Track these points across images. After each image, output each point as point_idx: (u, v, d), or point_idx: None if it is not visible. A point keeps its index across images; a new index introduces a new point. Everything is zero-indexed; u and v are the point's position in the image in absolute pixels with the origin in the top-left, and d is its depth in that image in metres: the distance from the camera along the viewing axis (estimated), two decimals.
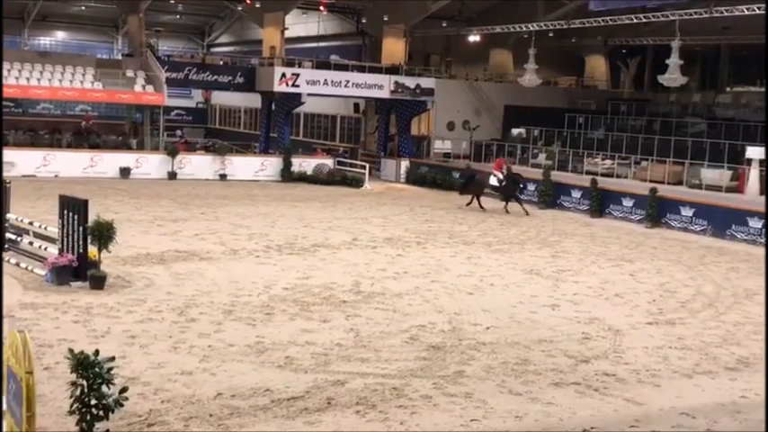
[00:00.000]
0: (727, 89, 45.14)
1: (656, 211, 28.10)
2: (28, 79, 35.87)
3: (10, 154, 32.71)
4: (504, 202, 30.12)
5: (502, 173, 29.95)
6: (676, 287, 18.45)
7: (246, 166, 37.06)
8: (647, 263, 21.33)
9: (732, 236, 25.71)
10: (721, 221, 26.24)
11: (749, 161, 29.08)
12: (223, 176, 35.86)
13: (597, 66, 48.53)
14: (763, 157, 28.99)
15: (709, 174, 30.42)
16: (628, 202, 29.28)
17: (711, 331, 14.67)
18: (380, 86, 39.45)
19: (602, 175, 32.38)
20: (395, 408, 10.27)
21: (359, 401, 10.41)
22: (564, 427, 10.00)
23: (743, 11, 30.80)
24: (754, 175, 28.82)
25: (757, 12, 30.39)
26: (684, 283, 18.90)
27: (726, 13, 31.36)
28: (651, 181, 30.61)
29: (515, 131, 40.28)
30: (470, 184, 31.20)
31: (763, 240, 24.81)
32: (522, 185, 30.48)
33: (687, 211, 27.58)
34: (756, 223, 25.35)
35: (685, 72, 33.17)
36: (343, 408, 10.20)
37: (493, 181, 30.18)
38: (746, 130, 34.00)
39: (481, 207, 30.06)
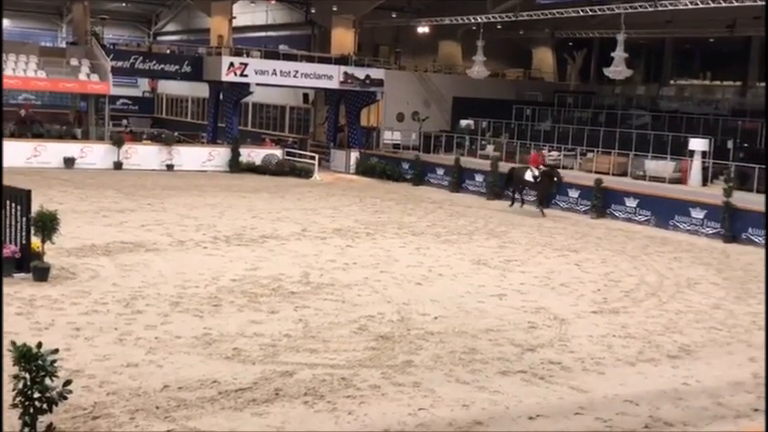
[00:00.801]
0: (671, 82, 45.88)
1: (601, 202, 28.49)
2: None
3: None
4: (538, 202, 28.40)
5: (538, 168, 27.91)
6: (620, 276, 18.73)
7: (194, 157, 36.73)
8: (591, 253, 21.61)
9: (675, 226, 26.16)
10: (664, 212, 26.68)
11: (692, 153, 29.57)
12: (170, 167, 35.50)
13: (544, 58, 49.00)
14: (705, 148, 29.53)
15: (653, 165, 30.88)
16: (573, 194, 29.62)
17: (654, 320, 14.91)
18: (330, 77, 39.33)
19: (549, 166, 32.66)
20: (343, 398, 10.30)
21: (307, 392, 10.41)
22: (510, 415, 10.11)
23: (686, 4, 31.27)
24: (696, 166, 29.34)
25: (700, 6, 30.92)
26: (628, 273, 19.19)
27: (670, 7, 31.80)
28: (596, 172, 30.95)
29: (464, 123, 40.45)
30: (510, 180, 29.25)
31: (705, 231, 25.31)
32: (557, 182, 28.01)
33: (631, 202, 28.00)
34: (698, 213, 25.84)
35: (630, 65, 33.57)
36: (292, 398, 10.20)
37: (528, 176, 28.07)
38: (689, 123, 34.59)
39: (521, 203, 28.65)
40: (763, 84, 41.66)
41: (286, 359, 11.65)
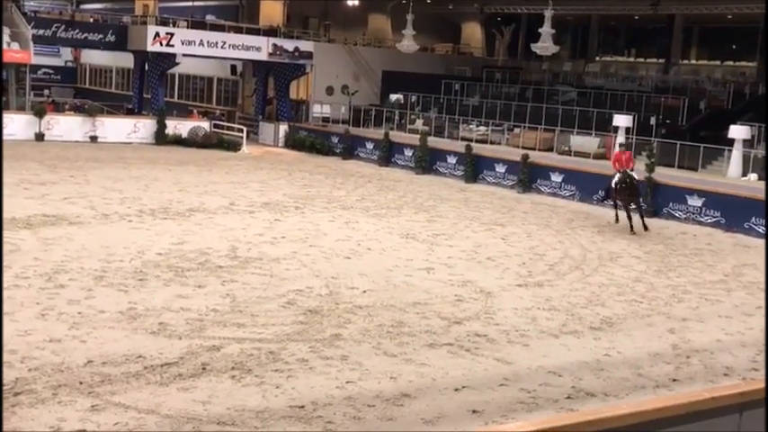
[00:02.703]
0: (597, 58, 46.51)
1: (528, 177, 28.81)
2: None
3: None
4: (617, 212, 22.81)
5: (619, 172, 21.89)
6: (545, 250, 19.02)
7: (118, 129, 36.08)
8: (517, 227, 21.89)
9: (598, 200, 26.59)
10: (589, 187, 27.07)
11: (616, 129, 30.09)
12: (94, 138, 34.83)
13: (473, 33, 49.19)
14: (629, 125, 30.07)
15: (579, 141, 31.36)
16: (500, 168, 29.90)
17: (578, 293, 15.19)
18: (258, 49, 38.93)
19: (477, 141, 32.92)
20: (271, 372, 10.28)
21: (234, 366, 10.37)
22: (437, 386, 10.21)
23: None
24: (619, 141, 29.82)
25: None
26: (553, 247, 19.50)
27: None
28: (523, 147, 31.29)
29: (393, 97, 40.44)
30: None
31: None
32: (636, 190, 21.98)
33: (557, 177, 28.37)
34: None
35: (557, 41, 33.92)
36: (219, 373, 10.15)
37: (612, 183, 22.48)
38: (614, 99, 35.16)
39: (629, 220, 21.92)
40: (685, 61, 42.63)
41: (213, 334, 11.58)
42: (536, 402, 9.89)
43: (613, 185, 22.01)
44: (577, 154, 30.62)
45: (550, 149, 31.72)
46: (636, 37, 46.13)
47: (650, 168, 25.41)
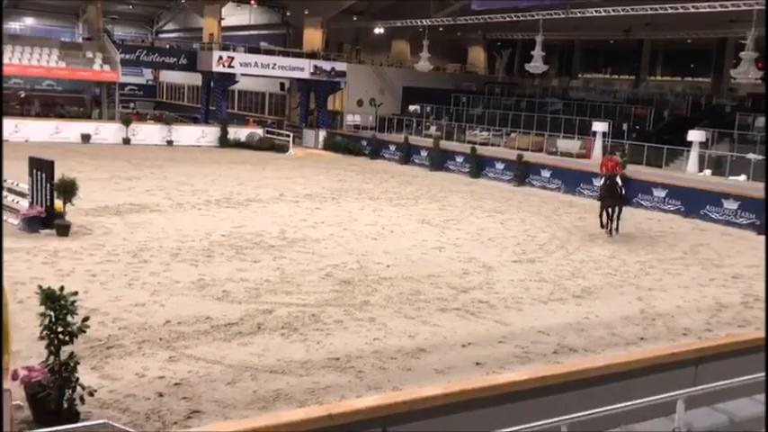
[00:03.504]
0: (579, 75, 46.16)
1: (522, 173, 28.70)
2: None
3: None
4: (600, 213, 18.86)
5: (608, 177, 18.69)
6: (536, 233, 18.94)
7: (189, 134, 36.25)
8: (513, 214, 21.80)
9: (580, 192, 26.48)
10: (572, 181, 26.97)
11: (594, 133, 29.90)
12: (170, 142, 35.00)
13: (477, 55, 48.93)
14: (605, 130, 29.84)
15: (564, 143, 31.17)
16: (500, 166, 29.79)
17: (563, 267, 15.13)
18: (301, 69, 39.01)
19: (480, 143, 32.83)
20: (313, 330, 10.34)
21: (283, 326, 10.43)
22: (447, 343, 10.23)
23: (592, 13, 31.45)
24: (598, 144, 29.68)
25: (603, 14, 31.09)
26: (542, 230, 19.42)
27: (579, 15, 31.94)
28: (518, 149, 31.17)
29: (412, 108, 40.40)
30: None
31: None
32: (621, 197, 18.71)
33: (546, 173, 28.25)
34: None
35: (546, 61, 33.72)
36: (271, 331, 10.21)
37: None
38: (593, 109, 34.91)
39: (608, 226, 18.57)
40: (651, 78, 42.22)
41: (266, 299, 11.64)
42: (528, 357, 9.87)
43: (599, 191, 19.24)
44: (563, 154, 30.43)
45: (540, 150, 31.55)
46: (611, 58, 45.69)
47: (622, 166, 25.20)
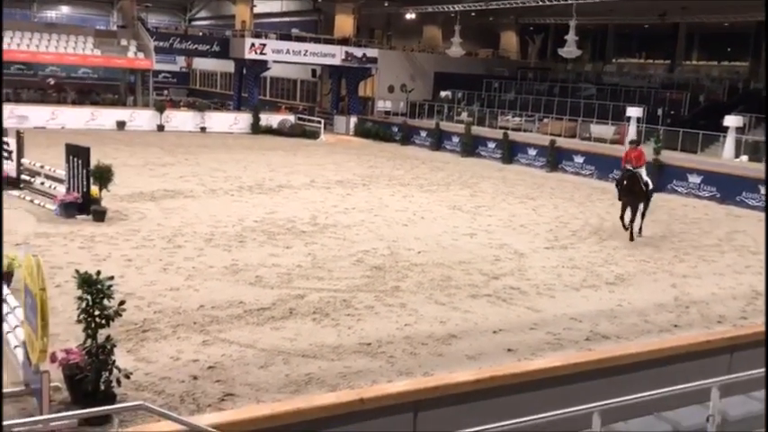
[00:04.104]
0: (613, 60, 45.51)
1: (554, 159, 28.49)
2: (37, 46, 34.74)
3: (23, 109, 31.85)
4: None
5: (624, 170, 16.36)
6: (569, 219, 18.79)
7: (222, 121, 36.49)
8: (546, 200, 21.65)
9: (614, 179, 26.06)
10: (605, 167, 26.67)
11: (628, 118, 29.49)
12: (203, 129, 35.28)
13: (509, 40, 48.45)
14: (639, 115, 29.43)
15: (597, 129, 30.80)
16: (532, 152, 29.59)
17: (596, 254, 15.00)
18: (333, 55, 38.99)
19: (512, 129, 32.55)
20: (344, 316, 10.38)
21: (315, 311, 10.49)
22: (478, 329, 10.21)
23: None
24: (632, 129, 29.27)
25: None
26: (575, 216, 19.26)
27: None
28: (551, 134, 30.89)
29: (443, 94, 40.18)
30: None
31: None
32: (644, 194, 16.26)
33: (579, 159, 28.00)
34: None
35: (580, 46, 33.33)
36: (303, 316, 10.28)
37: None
38: (627, 94, 34.41)
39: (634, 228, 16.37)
40: (687, 62, 41.48)
41: (298, 285, 11.71)
42: (560, 343, 9.82)
43: (616, 189, 16.60)
44: (596, 140, 30.08)
45: (573, 136, 31.21)
46: (646, 42, 44.92)
47: (657, 151, 24.95)
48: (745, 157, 26.20)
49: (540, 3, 34.71)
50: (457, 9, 38.11)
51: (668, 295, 12.34)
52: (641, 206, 16.35)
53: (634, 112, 29.43)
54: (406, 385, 6.22)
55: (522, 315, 10.92)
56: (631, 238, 16.10)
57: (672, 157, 25.41)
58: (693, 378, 5.68)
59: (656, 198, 21.38)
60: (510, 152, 30.13)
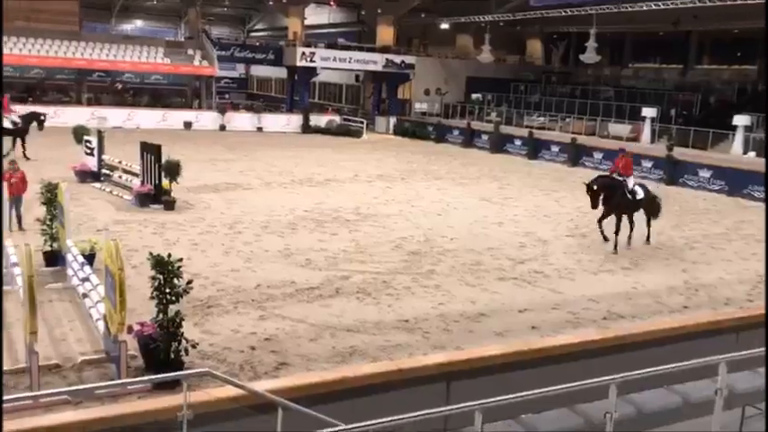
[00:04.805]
0: (630, 65, 44.60)
1: (575, 155, 28.09)
2: (115, 56, 35.32)
3: (103, 111, 32.46)
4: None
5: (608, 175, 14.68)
6: (588, 210, 18.35)
7: (276, 122, 36.72)
8: (568, 192, 21.37)
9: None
10: None
11: (643, 118, 28.94)
12: (259, 129, 35.54)
13: (535, 47, 47.74)
14: (653, 115, 28.85)
15: (615, 127, 30.27)
16: (555, 148, 29.22)
17: (611, 242, 14.75)
18: (375, 62, 38.98)
19: (537, 128, 32.15)
20: (384, 295, 10.42)
21: (359, 291, 10.55)
22: (505, 309, 10.17)
23: (642, 7, 30.27)
24: (647, 128, 28.72)
25: (654, 8, 29.91)
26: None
27: (630, 9, 30.80)
28: (572, 132, 30.47)
29: (474, 96, 39.83)
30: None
31: (652, 176, 24.85)
32: (634, 201, 14.00)
33: (598, 155, 27.57)
34: (648, 163, 25.40)
35: (599, 52, 32.75)
36: (348, 295, 10.35)
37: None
38: (643, 96, 33.72)
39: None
40: (698, 66, 40.47)
41: (343, 267, 11.78)
42: (580, 322, 9.73)
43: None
44: (614, 137, 29.54)
45: (593, 134, 30.69)
46: (660, 48, 43.86)
47: (670, 148, 24.46)
48: (752, 153, 25.53)
49: (564, 13, 34.15)
50: (487, 19, 37.75)
51: (679, 279, 12.13)
52: (627, 217, 13.97)
53: (649, 112, 28.87)
54: (439, 358, 6.22)
55: (546, 296, 10.84)
56: (615, 250, 13.55)
57: (684, 153, 24.87)
58: (703, 355, 5.57)
59: (669, 191, 21.00)
60: (535, 149, 29.79)
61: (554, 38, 47.18)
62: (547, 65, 47.03)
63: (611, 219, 13.85)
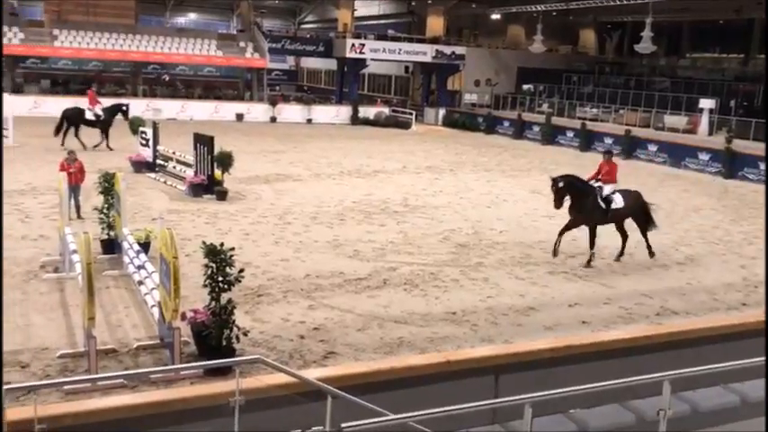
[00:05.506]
0: (687, 55, 43.32)
1: (629, 147, 27.51)
2: (170, 48, 36.03)
3: (158, 103, 33.18)
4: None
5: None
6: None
7: (326, 113, 36.93)
8: (621, 185, 20.89)
9: (686, 166, 25.13)
10: (678, 154, 25.61)
11: (701, 110, 28.14)
12: (309, 120, 35.81)
13: (588, 37, 46.84)
14: (712, 106, 28.02)
15: (671, 119, 29.52)
16: (608, 140, 28.63)
17: (667, 236, 14.42)
18: (424, 53, 38.83)
19: (590, 119, 31.59)
20: (432, 287, 10.42)
21: (406, 282, 10.57)
22: (555, 303, 10.05)
23: None
24: (704, 120, 27.91)
25: None
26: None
27: None
28: (626, 124, 29.83)
29: (525, 87, 39.40)
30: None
31: (709, 170, 24.17)
32: (606, 212, 12.21)
33: (652, 147, 26.96)
34: (705, 156, 24.70)
35: (655, 42, 31.87)
36: (395, 286, 10.38)
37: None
38: (701, 87, 32.75)
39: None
40: (761, 56, 39.05)
41: (391, 258, 11.81)
42: (632, 317, 9.56)
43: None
44: (669, 129, 28.83)
45: (647, 126, 29.99)
46: (720, 37, 42.46)
47: (729, 140, 23.76)
48: None
49: (618, 2, 33.39)
50: (539, 9, 37.16)
51: (737, 275, 11.79)
52: (617, 227, 12.41)
53: (707, 103, 28.06)
54: (488, 350, 6.20)
55: (597, 290, 10.68)
56: (588, 263, 11.85)
57: (743, 145, 24.08)
58: (761, 353, 5.41)
59: (727, 184, 20.36)
60: (587, 141, 29.27)
61: (608, 27, 46.15)
62: (600, 55, 46.06)
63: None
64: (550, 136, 31.09)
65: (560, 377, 5.44)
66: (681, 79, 35.44)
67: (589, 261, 11.98)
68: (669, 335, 6.21)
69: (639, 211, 12.55)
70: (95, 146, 21.62)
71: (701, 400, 5.17)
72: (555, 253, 12.00)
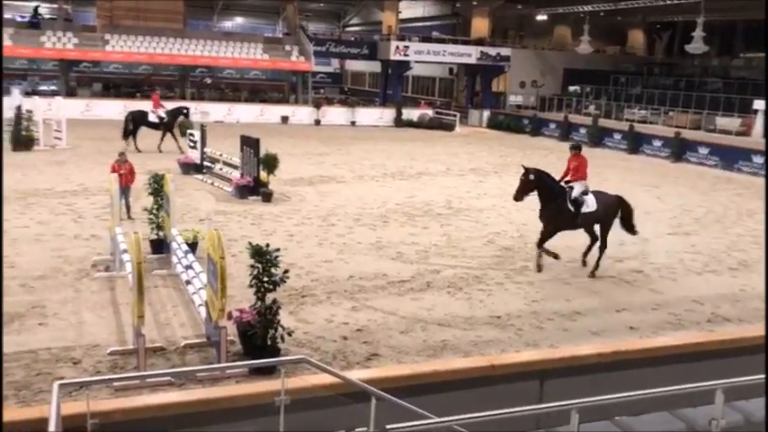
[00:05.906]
0: (741, 55, 42.13)
1: (679, 150, 26.92)
2: (217, 52, 36.62)
3: (205, 105, 33.76)
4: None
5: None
6: (692, 207, 17.73)
7: (369, 115, 37.03)
8: (670, 188, 20.51)
9: (738, 169, 24.49)
10: (730, 157, 24.95)
11: (755, 111, 27.35)
12: (353, 123, 35.96)
13: (636, 38, 45.99)
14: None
15: (723, 121, 28.76)
16: (657, 143, 28.10)
17: (718, 240, 14.10)
18: (469, 55, 38.64)
19: (638, 121, 31.00)
20: (476, 290, 10.35)
21: (450, 285, 10.53)
22: (602, 308, 9.89)
23: None
24: (759, 121, 27.11)
25: None
26: (699, 204, 18.14)
27: None
28: (676, 126, 29.17)
29: (572, 88, 38.85)
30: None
31: (763, 173, 23.44)
32: (575, 215, 11.26)
33: (703, 150, 26.32)
34: (759, 159, 24.01)
35: (707, 42, 31.10)
36: (439, 289, 10.34)
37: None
38: (755, 87, 31.77)
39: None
40: None
41: (434, 261, 11.78)
42: (681, 324, 9.34)
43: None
44: (721, 131, 28.09)
45: (698, 128, 29.28)
46: None
47: None
48: None
49: (669, 2, 32.69)
50: (586, 9, 36.62)
51: None
52: (587, 231, 11.40)
53: (761, 104, 27.22)
54: (533, 355, 6.14)
55: (645, 296, 10.47)
56: (538, 269, 11.08)
57: None
58: None
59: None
60: (635, 143, 28.73)
61: (657, 27, 45.22)
62: (649, 56, 45.18)
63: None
64: (597, 138, 30.61)
65: (606, 383, 5.35)
66: (734, 80, 34.48)
67: (539, 265, 11.06)
68: (721, 342, 6.06)
69: (613, 216, 11.25)
70: (158, 146, 21.99)
71: (754, 410, 5.03)
72: (539, 268, 10.99)
